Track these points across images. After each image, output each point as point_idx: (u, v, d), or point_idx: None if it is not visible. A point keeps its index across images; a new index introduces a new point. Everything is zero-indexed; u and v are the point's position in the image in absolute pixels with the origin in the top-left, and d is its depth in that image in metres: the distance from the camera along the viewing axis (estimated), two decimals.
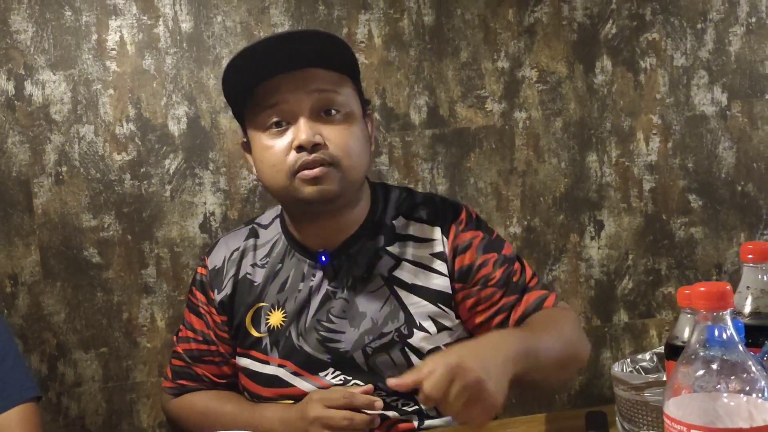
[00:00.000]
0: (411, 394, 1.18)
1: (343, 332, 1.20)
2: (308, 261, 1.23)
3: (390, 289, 1.21)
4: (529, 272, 1.26)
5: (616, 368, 1.07)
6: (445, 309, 1.22)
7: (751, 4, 2.22)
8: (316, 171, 1.11)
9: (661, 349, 1.09)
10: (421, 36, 2.08)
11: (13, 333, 1.40)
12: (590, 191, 2.19)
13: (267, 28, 2.01)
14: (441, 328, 1.22)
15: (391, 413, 1.20)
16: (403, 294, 1.21)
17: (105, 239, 1.98)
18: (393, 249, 1.23)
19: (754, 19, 2.22)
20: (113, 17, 1.95)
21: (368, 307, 1.21)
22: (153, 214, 2.00)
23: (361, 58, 2.05)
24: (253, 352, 1.25)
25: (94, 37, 1.95)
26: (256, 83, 1.15)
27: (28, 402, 1.30)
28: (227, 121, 2.01)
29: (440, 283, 1.22)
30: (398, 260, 1.22)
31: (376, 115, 2.07)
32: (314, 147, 1.11)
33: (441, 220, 1.24)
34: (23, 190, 1.94)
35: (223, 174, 2.02)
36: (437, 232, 1.23)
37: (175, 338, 1.36)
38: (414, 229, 1.24)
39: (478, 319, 1.24)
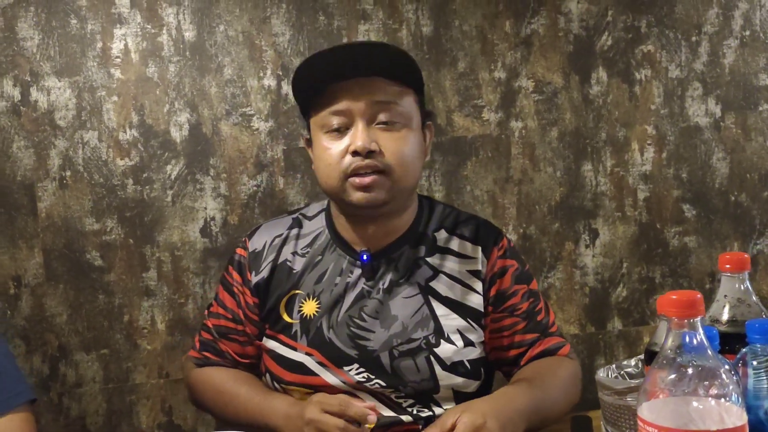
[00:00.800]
0: (428, 399, 1.23)
1: (373, 331, 1.24)
2: (348, 258, 1.27)
3: (425, 298, 1.24)
4: (552, 316, 1.33)
5: (601, 374, 1.10)
6: (474, 325, 1.25)
7: (745, 17, 2.25)
8: (367, 179, 1.17)
9: None
10: (420, 46, 2.12)
11: (5, 337, 1.37)
12: (585, 200, 2.22)
13: (268, 37, 2.05)
14: (467, 343, 1.24)
15: (405, 417, 1.23)
16: (436, 305, 1.24)
17: (107, 243, 2.01)
18: (433, 260, 1.26)
19: (748, 32, 2.26)
20: (118, 26, 1.99)
21: (400, 311, 1.24)
22: (154, 218, 2.03)
23: None
24: (282, 337, 1.27)
25: (99, 45, 1.99)
26: (324, 85, 1.21)
27: (21, 406, 1.27)
28: (228, 128, 2.05)
29: (474, 300, 1.26)
30: (436, 272, 1.26)
31: None
32: (369, 153, 1.16)
33: (483, 241, 1.28)
34: (27, 194, 1.98)
35: (223, 180, 2.05)
36: (478, 251, 1.27)
37: (206, 312, 1.40)
38: (455, 245, 1.28)
39: (496, 344, 1.28)
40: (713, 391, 0.73)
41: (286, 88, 2.07)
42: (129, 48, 2.00)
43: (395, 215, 1.26)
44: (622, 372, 1.14)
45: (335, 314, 1.25)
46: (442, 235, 1.29)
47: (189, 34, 2.02)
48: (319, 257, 1.29)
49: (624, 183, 2.24)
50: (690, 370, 0.74)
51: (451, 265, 1.27)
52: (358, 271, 1.26)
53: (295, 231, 1.33)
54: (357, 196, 1.18)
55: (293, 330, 1.26)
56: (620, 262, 2.25)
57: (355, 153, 1.16)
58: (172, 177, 2.04)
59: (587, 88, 2.20)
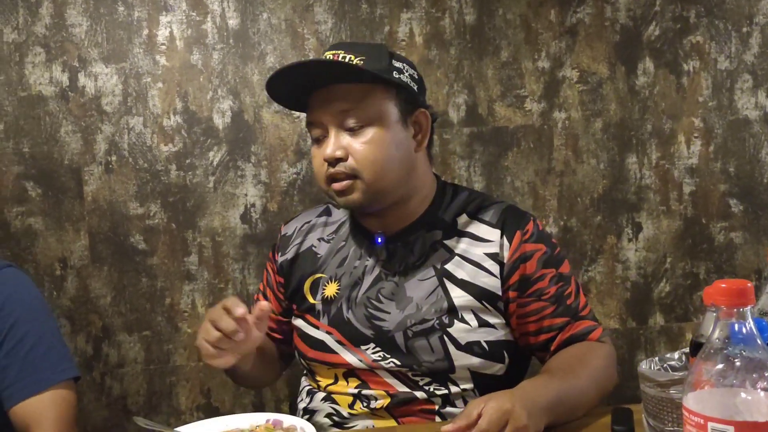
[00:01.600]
0: (444, 379, 1.24)
1: (389, 312, 1.27)
2: (367, 243, 1.32)
3: (440, 280, 1.26)
4: (583, 299, 1.31)
5: (644, 366, 1.07)
6: (489, 307, 1.26)
7: None
8: (341, 185, 1.22)
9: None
10: (462, 35, 2.10)
11: (51, 315, 1.41)
12: (629, 193, 2.18)
13: (311, 25, 2.05)
14: (482, 323, 1.25)
15: (419, 394, 1.25)
16: (451, 286, 1.26)
17: (150, 227, 2.05)
18: (450, 243, 1.28)
19: None
20: (164, 13, 2.01)
21: (415, 292, 1.27)
22: (196, 204, 2.06)
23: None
24: (308, 316, 1.35)
25: (145, 32, 2.02)
26: (293, 100, 1.29)
27: (64, 383, 1.31)
28: (270, 115, 2.06)
29: (488, 282, 1.26)
30: (452, 254, 1.27)
31: None
32: (336, 161, 1.21)
33: (506, 225, 1.28)
34: (74, 178, 2.02)
35: (264, 167, 2.07)
36: (496, 234, 1.27)
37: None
38: (474, 228, 1.29)
39: (524, 330, 1.28)
40: (762, 383, 0.71)
41: None
42: (174, 35, 2.02)
43: (401, 204, 1.28)
44: (665, 365, 1.12)
45: (354, 295, 1.30)
46: (463, 219, 1.30)
47: (233, 22, 2.04)
48: (343, 243, 1.35)
49: (669, 176, 2.19)
50: (738, 361, 0.72)
51: (466, 247, 1.27)
52: (375, 255, 1.31)
53: (323, 219, 1.41)
54: (338, 200, 1.25)
55: (316, 310, 1.33)
56: (664, 257, 2.21)
57: (326, 161, 1.22)
58: (214, 163, 2.06)
59: (633, 79, 2.16)
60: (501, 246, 1.26)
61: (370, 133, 1.21)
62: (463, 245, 1.28)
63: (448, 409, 1.25)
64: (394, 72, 1.23)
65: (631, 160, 2.18)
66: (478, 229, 1.29)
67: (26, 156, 2.01)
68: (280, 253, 1.41)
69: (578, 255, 2.18)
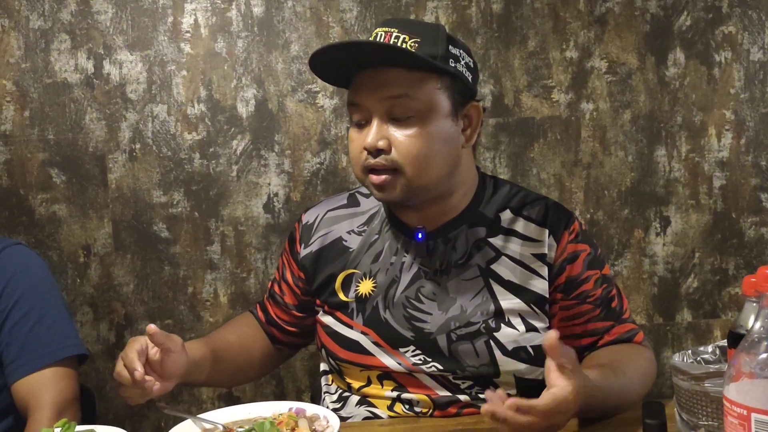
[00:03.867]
0: (488, 383, 1.20)
1: (431, 314, 1.21)
2: (404, 237, 1.24)
3: (485, 281, 1.20)
4: (625, 302, 1.28)
5: (677, 358, 1.05)
6: (537, 311, 1.21)
7: None
8: (380, 178, 1.14)
9: (723, 343, 1.06)
10: (489, 24, 2.07)
11: (58, 293, 1.42)
12: (657, 186, 2.14)
13: (336, 13, 2.04)
14: (530, 328, 1.20)
15: (462, 397, 1.21)
16: (497, 288, 1.20)
17: (174, 215, 2.05)
18: (495, 241, 1.22)
19: None
20: (189, 1, 2.01)
21: (459, 293, 1.20)
22: (220, 192, 2.05)
23: None
24: (339, 314, 1.26)
25: (170, 19, 2.01)
26: (341, 76, 1.19)
27: (66, 360, 1.32)
28: (293, 104, 2.05)
29: (538, 285, 1.20)
30: (498, 254, 1.21)
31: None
32: (378, 152, 1.12)
33: (552, 223, 1.22)
34: (99, 165, 2.02)
35: (287, 156, 2.06)
36: (545, 234, 1.21)
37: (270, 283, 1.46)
38: (521, 226, 1.22)
39: (568, 332, 1.23)
40: None
41: None
42: (199, 23, 2.02)
43: (441, 199, 1.21)
44: (698, 358, 1.09)
45: (391, 294, 1.23)
46: (506, 215, 1.23)
47: (257, 10, 2.03)
48: (376, 236, 1.27)
49: (699, 170, 2.15)
50: None
51: (514, 247, 1.21)
52: (414, 251, 1.23)
53: (350, 209, 1.31)
54: (375, 193, 1.17)
55: (350, 308, 1.25)
56: (692, 252, 2.16)
57: (366, 150, 1.13)
58: (238, 152, 2.05)
59: (663, 70, 2.12)
60: (549, 246, 1.21)
61: (417, 125, 1.12)
62: (510, 245, 1.21)
63: None
64: (451, 60, 1.14)
65: (660, 153, 2.14)
66: (523, 227, 1.22)
67: (51, 143, 2.01)
68: (302, 245, 1.32)
69: (605, 249, 2.14)
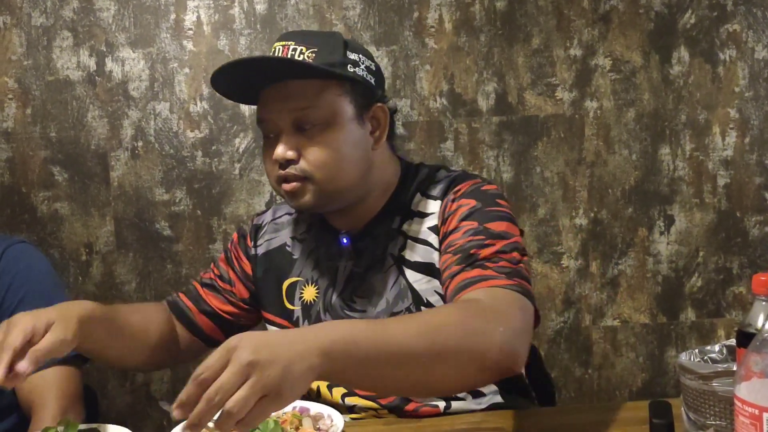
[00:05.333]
0: None
1: (365, 311, 1.20)
2: (335, 242, 1.24)
3: (399, 269, 1.19)
4: (509, 258, 1.06)
5: (684, 357, 1.04)
6: None
7: None
8: (290, 186, 1.14)
9: (731, 342, 1.05)
10: (492, 21, 2.06)
11: (63, 291, 1.40)
12: (661, 185, 2.14)
13: (339, 10, 2.03)
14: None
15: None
16: (409, 273, 1.19)
17: (176, 213, 2.04)
18: (405, 227, 1.20)
19: None
20: None
21: (383, 287, 1.19)
22: (222, 190, 2.05)
23: (430, 44, 2.05)
24: (284, 321, 1.26)
25: (173, 16, 2.00)
26: (243, 95, 1.19)
27: (69, 359, 1.29)
28: None
29: (435, 257, 1.17)
30: (406, 238, 1.20)
31: (444, 101, 2.06)
32: (288, 162, 1.12)
33: (446, 193, 1.18)
34: (101, 163, 2.02)
35: None
36: (438, 206, 1.19)
37: (202, 273, 1.39)
38: (422, 205, 1.21)
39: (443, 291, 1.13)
40: None
41: None
42: (201, 20, 2.01)
43: (365, 197, 1.19)
44: (705, 357, 1.08)
45: (329, 298, 1.23)
46: (416, 199, 1.22)
47: (260, 7, 2.02)
48: (315, 243, 1.27)
49: (703, 168, 2.14)
50: None
51: (416, 227, 1.20)
52: (345, 254, 1.23)
53: (294, 215, 1.32)
54: (289, 201, 1.17)
55: (295, 316, 1.25)
56: (696, 251, 2.16)
57: (278, 161, 1.13)
58: (240, 150, 2.04)
59: (667, 68, 2.11)
60: (438, 215, 1.17)
61: (323, 132, 1.12)
62: (413, 226, 1.19)
63: (454, 405, 1.19)
64: (349, 65, 1.14)
65: (664, 152, 2.13)
66: (424, 205, 1.20)
67: (53, 141, 2.01)
68: (253, 243, 1.32)
69: (608, 248, 2.14)
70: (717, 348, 1.09)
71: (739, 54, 2.12)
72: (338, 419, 1.07)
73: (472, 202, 1.14)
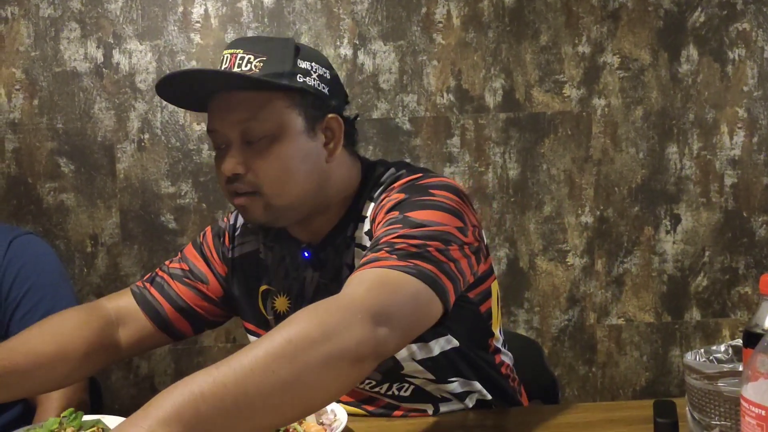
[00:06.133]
0: (400, 379, 1.14)
1: None
2: (299, 252, 1.19)
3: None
4: (416, 244, 0.95)
5: (689, 357, 1.03)
6: None
7: None
8: (240, 200, 1.09)
9: (736, 342, 1.05)
10: (501, 17, 2.05)
11: (69, 283, 1.41)
12: (668, 184, 2.13)
13: (347, 5, 2.02)
14: None
15: (392, 402, 1.17)
16: None
17: (181, 206, 2.04)
18: (356, 234, 1.15)
19: None
20: None
21: None
22: None
23: (438, 39, 2.04)
24: (264, 332, 1.21)
25: (180, 9, 2.00)
26: (188, 106, 1.16)
27: None
28: None
29: None
30: (353, 245, 1.15)
31: (451, 97, 2.06)
32: (235, 176, 1.07)
33: (380, 193, 1.12)
34: (107, 155, 2.02)
35: None
36: (372, 208, 1.12)
37: (168, 262, 1.31)
38: (365, 209, 1.14)
39: None
40: None
41: (362, 58, 2.04)
42: (209, 13, 2.01)
43: (323, 209, 1.14)
44: (710, 357, 1.07)
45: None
46: (366, 203, 1.16)
47: (268, 1, 2.01)
48: (281, 252, 1.22)
49: (710, 167, 2.13)
50: None
51: (359, 233, 1.15)
52: (310, 265, 1.18)
53: None
54: (242, 216, 1.13)
55: (270, 325, 1.21)
56: (702, 250, 2.15)
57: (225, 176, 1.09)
58: None
59: (676, 67, 2.10)
60: (370, 218, 1.11)
61: (270, 146, 1.06)
62: (358, 232, 1.14)
63: (443, 408, 1.18)
64: (299, 75, 1.08)
65: (671, 150, 2.12)
66: (367, 208, 1.14)
67: (60, 132, 2.01)
68: (231, 244, 1.25)
69: (614, 246, 2.13)
70: (723, 348, 1.09)
71: (748, 53, 2.11)
72: (341, 414, 1.07)
73: (401, 196, 1.06)
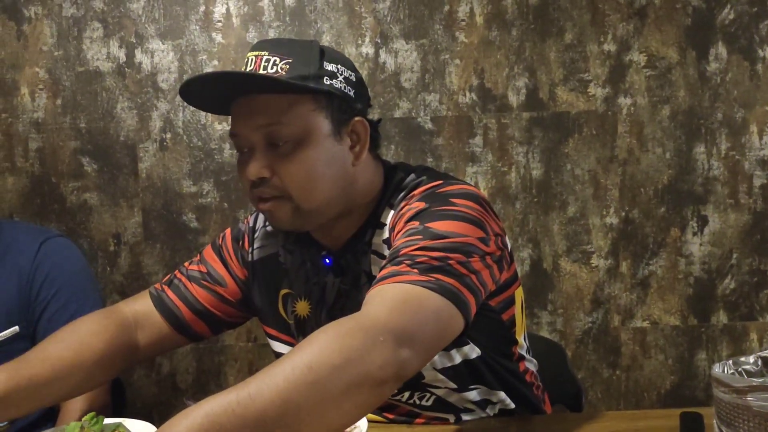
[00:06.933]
0: (423, 388, 1.13)
1: None
2: (320, 257, 1.18)
3: (370, 284, 1.06)
4: (438, 257, 0.94)
5: (717, 369, 1.01)
6: None
7: None
8: (267, 205, 1.08)
9: (766, 353, 1.02)
10: (525, 15, 2.02)
11: (97, 286, 1.42)
12: (695, 184, 2.09)
13: (368, 3, 2.00)
14: None
15: (414, 410, 1.15)
16: None
17: (203, 205, 2.04)
18: (374, 241, 1.14)
19: None
20: None
21: (360, 304, 1.12)
22: None
23: (460, 37, 2.02)
24: (284, 336, 1.22)
25: (202, 8, 2.00)
26: (210, 109, 1.15)
27: None
28: None
29: None
30: (370, 253, 1.13)
31: (473, 96, 2.04)
32: (261, 180, 1.06)
33: (401, 200, 1.11)
34: (130, 155, 2.02)
35: None
36: (391, 215, 1.11)
37: (187, 264, 1.31)
38: (384, 215, 1.13)
39: None
40: None
41: (384, 56, 2.02)
42: (230, 12, 2.00)
43: (346, 214, 1.12)
44: (739, 369, 1.05)
45: (322, 315, 1.17)
46: (384, 209, 1.14)
47: (290, 0, 2.00)
48: (302, 257, 1.21)
49: (739, 168, 2.09)
50: None
51: (377, 240, 1.13)
52: (331, 271, 1.17)
53: None
54: (268, 220, 1.11)
55: (291, 330, 1.21)
56: (730, 252, 2.11)
57: (250, 180, 1.06)
58: None
59: (704, 65, 2.06)
60: (389, 226, 1.10)
61: (296, 150, 1.04)
62: (375, 238, 1.12)
63: (465, 417, 1.17)
64: (326, 78, 1.06)
65: (698, 150, 2.08)
66: (386, 215, 1.12)
67: (83, 131, 2.02)
68: (250, 247, 1.24)
69: (639, 248, 2.09)
70: (752, 360, 1.06)
71: None
72: (362, 421, 1.06)
73: (421, 205, 1.05)
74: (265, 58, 1.05)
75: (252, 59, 1.07)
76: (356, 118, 1.10)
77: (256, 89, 1.05)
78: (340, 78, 1.09)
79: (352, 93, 1.10)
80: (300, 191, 1.06)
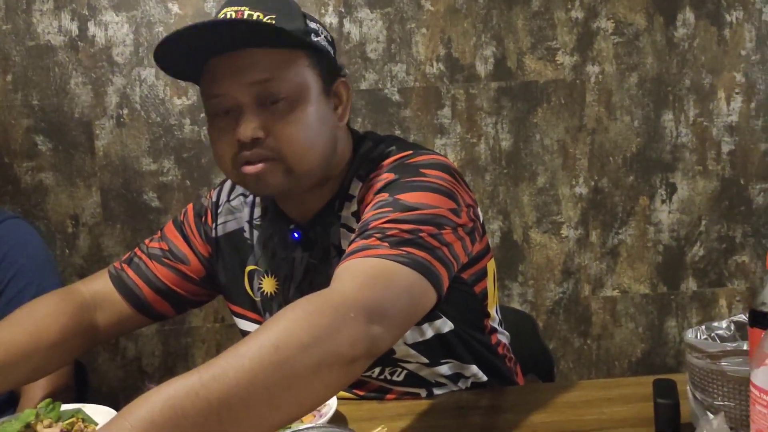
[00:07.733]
0: (394, 363, 1.10)
1: None
2: (289, 232, 1.14)
3: (339, 258, 1.01)
4: (409, 229, 0.91)
5: (690, 335, 1.00)
6: None
7: None
8: (257, 168, 1.00)
9: (739, 318, 1.01)
10: None
11: (55, 268, 1.38)
12: (664, 152, 2.08)
13: None
14: None
15: (384, 385, 1.13)
16: None
17: (164, 184, 1.98)
18: (343, 213, 1.10)
19: None
20: None
21: (329, 278, 1.08)
22: (212, 160, 1.98)
23: (426, 5, 1.97)
24: (250, 313, 1.18)
25: None
26: (188, 69, 1.04)
27: None
28: None
29: None
30: (339, 226, 1.10)
31: (441, 66, 2.00)
32: (254, 141, 0.99)
33: (368, 172, 1.07)
34: (85, 132, 1.95)
35: None
36: (360, 188, 1.07)
37: (147, 241, 1.25)
38: (353, 187, 1.09)
39: None
40: None
41: (348, 26, 1.97)
42: None
43: (324, 182, 1.08)
44: (712, 334, 1.04)
45: (289, 291, 1.13)
46: (353, 181, 1.10)
47: None
48: (270, 230, 1.16)
49: (707, 134, 2.08)
50: None
51: (345, 213, 1.09)
52: (299, 245, 1.12)
53: (251, 197, 1.19)
54: (252, 186, 1.04)
55: (257, 307, 1.17)
56: (698, 220, 2.11)
57: (241, 143, 0.99)
58: None
59: (672, 31, 2.04)
60: (358, 199, 1.06)
61: (291, 108, 0.99)
62: (343, 211, 1.08)
63: (436, 391, 1.14)
64: (312, 34, 1.02)
65: (667, 118, 2.07)
66: (355, 187, 1.08)
67: (35, 109, 1.94)
68: (214, 222, 1.19)
69: (609, 216, 2.09)
70: (724, 324, 1.05)
71: (746, 16, 2.05)
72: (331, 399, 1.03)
73: (390, 176, 1.01)
74: (246, 12, 0.98)
75: (231, 15, 0.98)
76: (341, 78, 1.07)
77: (248, 43, 0.98)
78: (322, 36, 1.05)
79: (332, 52, 1.06)
80: (295, 152, 1.00)
